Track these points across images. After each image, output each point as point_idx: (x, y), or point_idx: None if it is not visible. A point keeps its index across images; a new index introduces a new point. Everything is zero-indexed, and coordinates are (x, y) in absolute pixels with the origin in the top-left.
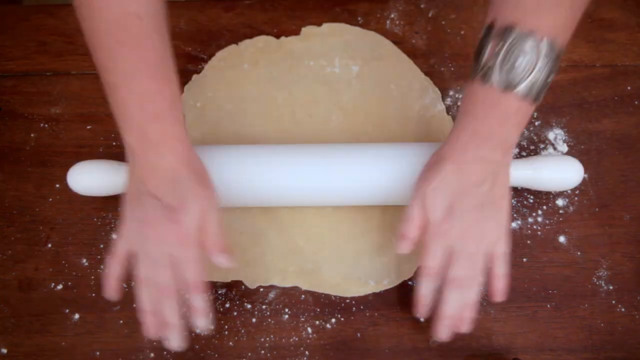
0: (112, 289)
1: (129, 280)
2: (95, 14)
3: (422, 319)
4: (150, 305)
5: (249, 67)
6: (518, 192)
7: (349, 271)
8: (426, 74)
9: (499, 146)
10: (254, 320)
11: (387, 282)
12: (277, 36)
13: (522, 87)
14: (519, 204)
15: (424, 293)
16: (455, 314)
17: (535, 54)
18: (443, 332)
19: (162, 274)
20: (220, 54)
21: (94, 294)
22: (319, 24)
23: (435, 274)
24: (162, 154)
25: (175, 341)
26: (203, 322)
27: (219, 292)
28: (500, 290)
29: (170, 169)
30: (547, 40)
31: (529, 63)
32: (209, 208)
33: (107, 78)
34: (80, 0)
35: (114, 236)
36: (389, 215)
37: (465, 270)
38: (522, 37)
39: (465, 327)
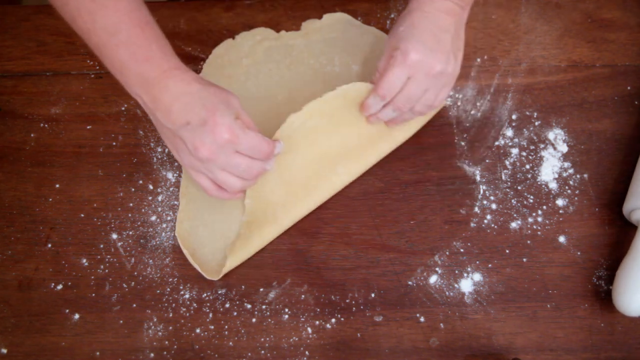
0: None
1: (129, 280)
2: None
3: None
4: (243, 185)
5: (247, 61)
6: (518, 192)
7: None
8: None
9: (460, 1)
10: (254, 320)
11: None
12: None
13: None
14: (518, 204)
15: (372, 104)
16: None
17: None
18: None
19: (241, 167)
20: (217, 50)
21: (94, 294)
22: None
23: (384, 97)
24: (167, 86)
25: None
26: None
27: (219, 292)
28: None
29: (181, 93)
30: None
31: None
32: (234, 103)
33: (93, 40)
34: None
35: (114, 236)
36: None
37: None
38: None
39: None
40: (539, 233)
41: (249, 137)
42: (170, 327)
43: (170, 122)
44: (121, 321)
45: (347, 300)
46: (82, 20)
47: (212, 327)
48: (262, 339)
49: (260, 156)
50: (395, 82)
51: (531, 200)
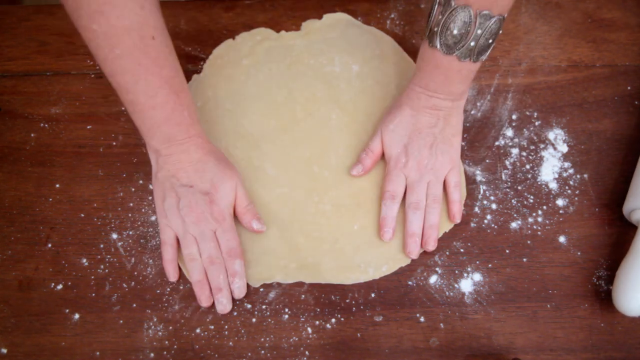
0: (173, 272)
1: (129, 280)
2: (113, 41)
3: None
4: (199, 276)
5: (248, 62)
6: (518, 192)
7: (349, 261)
8: None
9: (447, 96)
10: (254, 320)
11: (385, 269)
12: None
13: (461, 51)
14: (519, 204)
15: (386, 214)
16: (418, 232)
17: (471, 24)
18: (411, 247)
19: (208, 247)
20: (217, 51)
21: (94, 294)
22: None
23: (393, 197)
24: (188, 150)
25: (224, 303)
26: (239, 285)
27: None
28: (455, 212)
29: (197, 160)
30: (481, 11)
31: (465, 31)
32: (236, 185)
33: (128, 96)
34: (93, 31)
35: (114, 236)
36: None
37: (421, 196)
38: (458, 9)
39: (430, 246)
40: (539, 233)
41: (229, 227)
42: (170, 327)
43: (176, 178)
44: (121, 321)
45: (347, 300)
46: (124, 79)
47: (212, 327)
48: (262, 339)
49: (226, 247)
50: (396, 181)
51: (531, 200)
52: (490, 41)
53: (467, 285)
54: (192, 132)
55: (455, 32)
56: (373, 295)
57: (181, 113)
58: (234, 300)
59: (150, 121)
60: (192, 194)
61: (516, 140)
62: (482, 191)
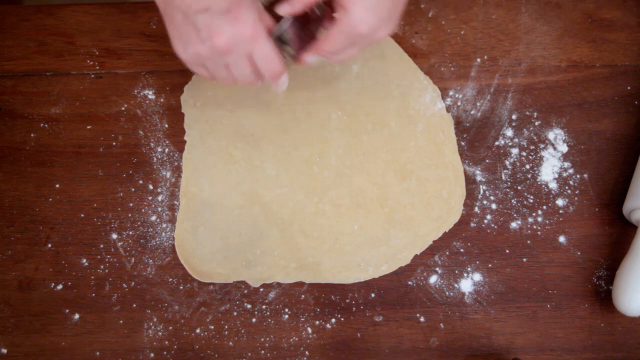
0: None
1: (129, 280)
2: None
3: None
4: (236, 83)
5: None
6: (518, 192)
7: (349, 261)
8: (426, 73)
9: None
10: (254, 320)
11: (385, 268)
12: None
13: None
14: (519, 204)
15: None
16: None
17: None
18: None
19: (243, 68)
20: None
21: (94, 294)
22: None
23: None
24: None
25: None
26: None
27: (219, 292)
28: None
29: None
30: None
31: None
32: (256, 2)
33: None
34: None
35: (114, 236)
36: (388, 209)
37: None
38: None
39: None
40: (539, 233)
41: (267, 45)
42: (170, 327)
43: (186, 4)
44: (121, 321)
45: (347, 300)
46: None
47: (212, 327)
48: (262, 339)
49: (267, 71)
50: (340, 47)
51: (531, 200)
52: None
53: (467, 285)
54: None
55: None
56: (373, 295)
57: None
58: (234, 300)
59: None
60: (210, 18)
61: (516, 140)
62: (482, 191)
